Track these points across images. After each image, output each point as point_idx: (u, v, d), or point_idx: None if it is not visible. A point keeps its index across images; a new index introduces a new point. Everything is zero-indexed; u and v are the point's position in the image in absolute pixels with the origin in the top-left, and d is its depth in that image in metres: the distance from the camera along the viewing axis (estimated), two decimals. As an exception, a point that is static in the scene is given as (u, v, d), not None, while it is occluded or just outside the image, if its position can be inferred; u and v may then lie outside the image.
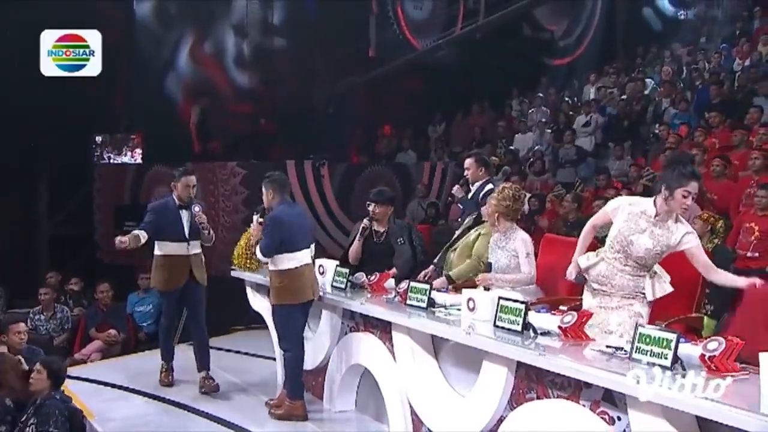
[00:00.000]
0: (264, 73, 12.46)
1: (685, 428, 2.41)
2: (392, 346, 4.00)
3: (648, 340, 2.61)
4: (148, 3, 12.05)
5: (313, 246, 4.63)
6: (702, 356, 2.51)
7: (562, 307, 3.49)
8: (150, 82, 11.28)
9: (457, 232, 4.66)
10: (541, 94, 11.76)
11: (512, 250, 4.02)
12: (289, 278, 4.34)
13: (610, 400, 2.71)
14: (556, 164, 9.43)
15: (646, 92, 10.19)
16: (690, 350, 2.61)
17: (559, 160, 9.46)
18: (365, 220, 4.85)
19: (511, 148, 10.37)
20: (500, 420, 3.21)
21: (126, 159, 10.99)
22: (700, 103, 8.92)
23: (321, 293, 4.49)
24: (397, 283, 4.25)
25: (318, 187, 9.17)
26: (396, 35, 13.07)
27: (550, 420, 2.93)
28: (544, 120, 10.70)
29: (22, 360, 4.39)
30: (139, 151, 10.93)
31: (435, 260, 4.63)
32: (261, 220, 4.43)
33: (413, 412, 3.85)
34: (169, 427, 4.55)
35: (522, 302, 3.27)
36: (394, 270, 4.66)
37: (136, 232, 4.92)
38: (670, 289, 3.36)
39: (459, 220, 4.97)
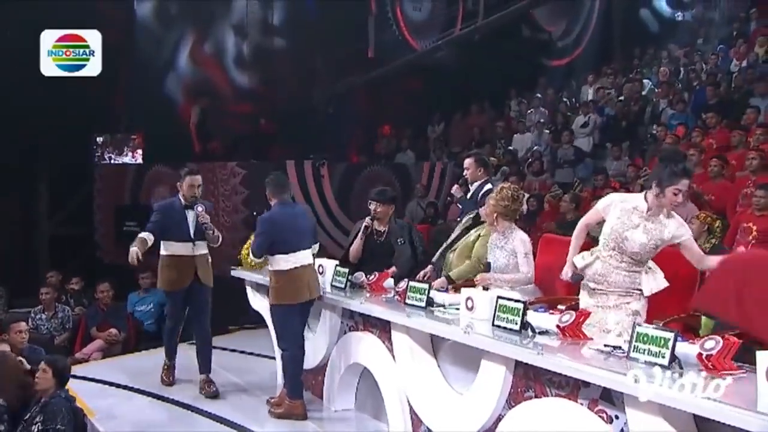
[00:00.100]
0: (264, 73, 12.49)
1: (683, 427, 2.43)
2: (391, 345, 4.01)
3: (646, 339, 2.61)
4: (148, 3, 12.07)
5: (316, 246, 4.65)
6: (699, 355, 2.52)
7: (560, 307, 3.53)
8: (150, 82, 11.30)
9: (456, 232, 4.67)
10: (539, 95, 11.79)
11: (511, 249, 4.04)
12: (285, 279, 4.37)
13: (608, 399, 2.72)
14: (554, 164, 9.47)
15: (644, 93, 10.22)
16: (687, 349, 2.61)
17: (557, 160, 9.49)
18: (367, 219, 4.87)
19: (510, 148, 10.40)
20: (499, 419, 3.22)
21: (127, 159, 11.01)
22: (697, 104, 8.96)
23: (321, 293, 4.51)
24: (397, 282, 4.27)
25: (318, 187, 9.19)
26: (395, 36, 13.11)
27: (548, 419, 2.94)
28: (542, 120, 10.73)
29: (24, 360, 4.42)
30: (139, 151, 10.96)
31: (433, 260, 4.65)
32: None
33: (412, 411, 3.86)
34: (170, 425, 4.57)
35: (520, 302, 3.27)
36: (393, 269, 4.68)
37: (142, 235, 4.88)
38: (665, 283, 3.38)
39: (458, 219, 4.98)
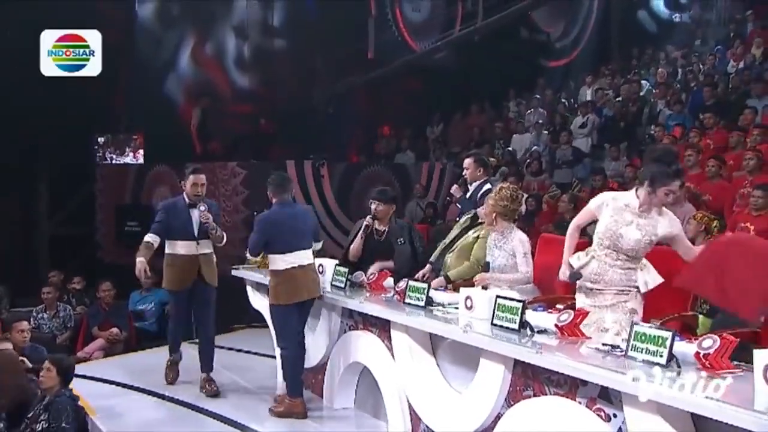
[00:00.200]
0: (264, 74, 12.52)
1: (681, 425, 2.43)
2: (391, 344, 4.03)
3: (644, 338, 2.62)
4: (150, 4, 12.09)
5: (319, 244, 4.69)
6: (697, 354, 2.53)
7: (558, 306, 3.56)
8: (150, 82, 11.31)
9: (454, 232, 4.68)
10: (538, 96, 11.82)
11: (510, 249, 4.06)
12: (282, 279, 4.40)
13: (606, 398, 2.73)
14: (552, 165, 9.50)
15: (642, 94, 10.25)
16: (685, 348, 2.63)
17: (555, 160, 9.53)
18: (368, 218, 4.89)
19: (509, 148, 10.43)
20: (497, 417, 3.24)
21: (128, 159, 11.04)
22: (694, 105, 9.00)
23: (321, 293, 4.52)
24: (396, 282, 4.29)
25: (317, 187, 9.21)
26: (395, 37, 13.13)
27: (546, 417, 2.95)
28: (541, 121, 10.76)
29: (26, 359, 4.45)
30: (141, 151, 10.99)
31: (431, 259, 4.66)
32: None
33: (411, 410, 3.88)
34: (171, 424, 4.59)
35: (519, 301, 3.29)
36: (391, 263, 4.71)
37: (147, 239, 4.89)
38: (660, 279, 3.41)
39: (457, 219, 5.00)
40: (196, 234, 4.90)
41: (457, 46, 13.09)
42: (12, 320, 4.97)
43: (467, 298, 3.52)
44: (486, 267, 4.08)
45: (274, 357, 5.24)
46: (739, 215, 5.60)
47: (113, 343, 6.74)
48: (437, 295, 3.90)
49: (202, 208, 4.82)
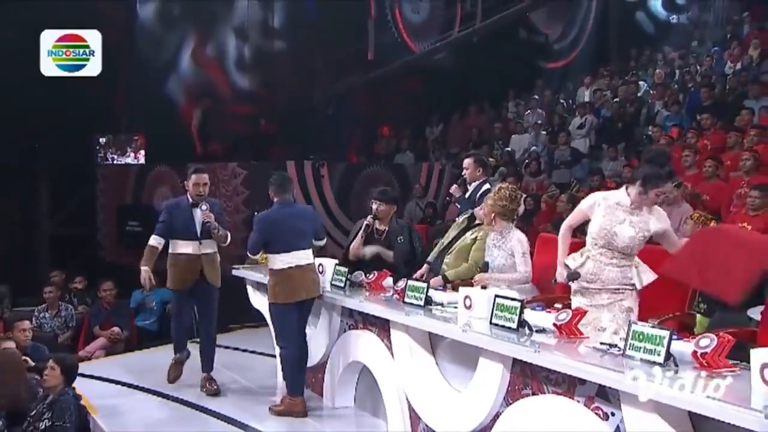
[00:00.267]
0: (264, 75, 12.57)
1: (678, 423, 2.44)
2: (390, 343, 4.04)
3: (641, 337, 2.63)
4: (151, 5, 12.11)
5: (322, 241, 4.71)
6: (694, 353, 2.54)
7: (557, 305, 3.55)
8: (150, 82, 11.32)
9: (451, 233, 4.69)
10: (536, 96, 11.87)
11: (509, 249, 4.08)
12: (281, 278, 4.42)
13: (604, 396, 2.74)
14: (551, 165, 9.54)
15: (640, 95, 10.30)
16: (682, 347, 2.63)
17: (554, 161, 9.57)
18: (368, 218, 4.92)
19: (508, 149, 10.47)
20: (496, 416, 3.25)
21: (129, 160, 11.07)
22: (692, 106, 9.05)
23: (321, 292, 4.55)
24: (395, 281, 4.31)
25: (317, 188, 9.24)
26: (394, 38, 13.18)
27: (545, 416, 2.97)
28: (539, 122, 10.80)
29: (28, 359, 4.47)
30: (142, 152, 11.02)
31: (429, 259, 4.68)
32: None
33: (411, 409, 3.89)
34: (171, 423, 4.60)
35: (518, 300, 3.30)
36: (391, 253, 4.76)
37: (152, 242, 4.90)
38: (654, 275, 3.46)
39: (456, 220, 5.04)
40: (198, 234, 4.89)
41: (456, 47, 13.14)
42: (14, 319, 5.01)
43: (466, 297, 3.53)
44: (485, 267, 4.09)
45: (274, 356, 5.27)
46: (737, 215, 5.63)
47: (114, 342, 6.77)
48: (436, 295, 3.91)
49: (204, 207, 4.81)
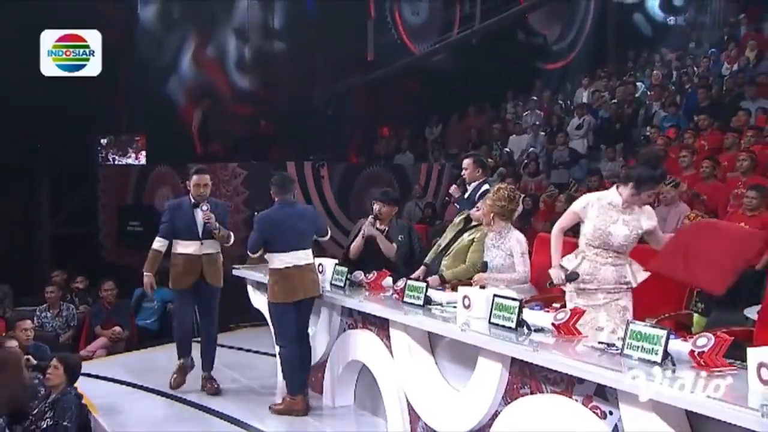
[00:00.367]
0: (264, 75, 12.60)
1: (675, 422, 2.45)
2: (390, 342, 4.06)
3: (639, 336, 2.65)
4: (151, 6, 12.14)
5: (327, 236, 4.74)
6: (692, 352, 2.56)
7: (555, 305, 3.55)
8: (150, 82, 11.32)
9: (448, 235, 4.69)
10: (535, 98, 11.91)
11: (507, 249, 4.10)
12: (279, 277, 4.45)
13: (602, 395, 2.75)
14: (549, 165, 9.59)
15: (637, 96, 10.37)
16: (680, 346, 2.64)
17: (552, 161, 9.62)
18: (370, 218, 4.94)
19: (506, 149, 10.51)
20: (495, 414, 3.27)
21: (130, 160, 11.11)
22: (689, 107, 9.10)
23: (320, 292, 4.57)
24: (395, 280, 4.34)
25: (317, 188, 9.27)
26: (394, 39, 13.24)
27: (543, 414, 2.99)
28: (538, 122, 10.85)
29: (30, 357, 4.49)
30: (143, 152, 11.06)
31: (426, 260, 4.68)
32: None
33: (410, 407, 3.91)
34: (172, 422, 4.62)
35: (516, 300, 3.32)
36: (393, 246, 4.78)
37: (155, 245, 4.92)
38: (647, 273, 3.51)
39: (453, 220, 5.06)
40: (200, 234, 4.90)
41: (455, 48, 13.20)
42: (16, 319, 5.03)
43: (465, 297, 3.54)
44: (484, 266, 4.11)
45: (274, 355, 5.29)
46: (734, 215, 5.67)
47: (115, 341, 6.80)
48: (435, 295, 3.93)
49: (205, 207, 4.82)
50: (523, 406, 3.12)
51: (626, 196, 3.43)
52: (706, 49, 11.33)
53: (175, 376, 5.05)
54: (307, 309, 4.63)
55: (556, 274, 3.52)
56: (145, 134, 11.15)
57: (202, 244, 4.91)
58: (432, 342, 3.83)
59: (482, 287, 3.77)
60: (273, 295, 4.51)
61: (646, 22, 14.14)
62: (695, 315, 4.15)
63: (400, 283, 4.09)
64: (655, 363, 2.54)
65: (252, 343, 6.38)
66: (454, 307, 3.66)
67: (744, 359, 2.42)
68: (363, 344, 4.38)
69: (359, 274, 4.62)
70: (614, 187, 3.55)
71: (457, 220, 4.76)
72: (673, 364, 2.54)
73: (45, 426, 3.93)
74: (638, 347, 2.65)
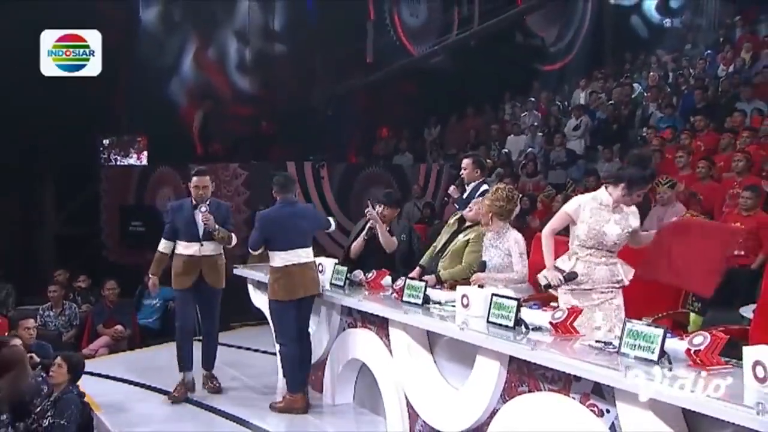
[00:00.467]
0: (265, 77, 12.64)
1: (672, 420, 2.47)
2: (389, 341, 4.09)
3: (636, 335, 2.67)
4: (153, 9, 12.16)
5: (333, 227, 4.81)
6: (688, 351, 2.57)
7: (553, 304, 3.58)
8: (150, 83, 11.34)
9: (443, 236, 4.68)
10: (533, 99, 11.96)
11: (505, 249, 4.11)
12: (280, 275, 4.49)
13: (599, 393, 2.77)
14: (547, 166, 9.64)
15: (634, 97, 10.42)
16: (676, 345, 2.65)
17: (550, 162, 9.67)
18: (372, 221, 4.96)
19: (504, 150, 10.56)
20: (493, 412, 3.29)
21: (132, 161, 11.14)
22: (685, 108, 9.16)
23: (320, 291, 4.60)
24: (394, 279, 4.36)
25: (317, 188, 9.31)
26: (393, 41, 13.30)
27: (541, 412, 3.01)
28: (535, 123, 10.90)
29: (33, 355, 4.52)
30: (145, 153, 11.09)
31: (421, 262, 4.69)
32: None
33: (409, 406, 3.94)
34: (173, 420, 4.66)
35: (514, 299, 3.34)
36: (394, 240, 4.81)
37: (160, 248, 4.95)
38: (633, 270, 3.60)
39: (448, 221, 5.08)
40: (200, 235, 4.91)
41: (454, 50, 13.25)
42: (18, 318, 5.06)
43: (463, 296, 3.57)
44: (482, 266, 4.14)
45: (275, 354, 5.33)
46: (729, 215, 5.73)
47: (118, 340, 6.83)
48: (434, 294, 3.95)
49: (203, 209, 4.82)
50: (521, 404, 3.14)
51: (617, 196, 3.49)
52: (702, 51, 11.41)
53: (177, 390, 4.95)
54: (307, 307, 4.66)
55: (552, 276, 3.52)
56: (146, 135, 11.18)
57: (202, 245, 4.91)
58: (431, 341, 3.85)
59: (480, 286, 3.80)
60: (273, 293, 4.55)
61: (642, 24, 14.22)
62: (691, 314, 4.20)
63: (400, 283, 4.11)
64: (651, 361, 2.56)
65: (252, 342, 6.42)
66: (453, 306, 3.69)
67: (740, 358, 2.44)
68: (362, 343, 4.41)
69: (359, 274, 4.65)
70: (603, 187, 3.61)
71: (451, 220, 4.77)
72: (670, 363, 2.56)
73: (47, 424, 3.95)
74: (635, 346, 2.66)
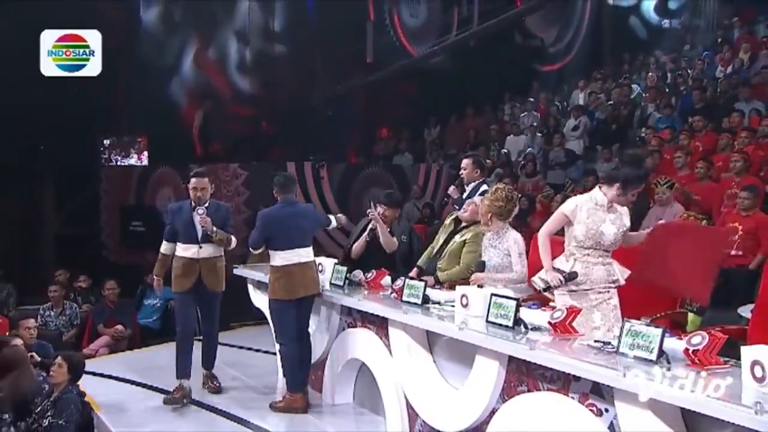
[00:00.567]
0: (265, 77, 12.67)
1: (670, 419, 2.48)
2: (388, 341, 4.09)
3: (634, 334, 2.67)
4: (154, 9, 12.18)
5: (333, 223, 4.83)
6: (686, 350, 2.57)
7: (552, 304, 3.59)
8: (150, 83, 11.36)
9: (440, 237, 4.69)
10: (532, 99, 11.99)
11: (505, 249, 4.11)
12: (280, 275, 4.50)
13: (597, 393, 2.78)
14: (546, 166, 9.66)
15: (633, 97, 10.45)
16: (674, 345, 2.65)
17: (549, 162, 9.70)
18: (373, 221, 4.97)
19: (504, 150, 10.59)
20: (492, 412, 3.30)
21: (132, 161, 11.16)
22: (684, 108, 9.18)
23: (320, 290, 4.62)
24: (394, 279, 4.37)
25: (317, 188, 9.33)
26: (393, 41, 13.33)
27: (540, 412, 3.02)
28: (535, 124, 10.93)
29: (34, 355, 4.53)
30: (145, 153, 11.11)
31: (418, 263, 4.70)
32: None
33: (409, 405, 3.95)
34: (174, 419, 4.67)
35: (513, 299, 3.35)
36: (394, 241, 4.83)
37: (162, 250, 4.94)
38: (628, 270, 3.62)
39: (444, 222, 5.09)
40: (198, 237, 4.86)
41: (453, 50, 13.29)
42: (19, 318, 5.07)
43: (463, 296, 3.58)
44: (481, 266, 4.15)
45: (275, 354, 5.34)
46: (728, 215, 5.75)
47: (118, 340, 6.85)
48: (434, 293, 3.96)
49: (201, 211, 4.79)
50: (520, 404, 3.15)
51: (612, 196, 3.53)
52: (700, 52, 11.43)
53: (174, 394, 4.87)
54: (307, 307, 4.67)
55: (552, 277, 3.53)
56: (147, 135, 11.20)
57: (200, 247, 4.88)
58: (430, 340, 3.86)
59: (480, 286, 3.80)
60: (274, 292, 4.56)
61: (641, 25, 14.25)
62: (690, 314, 4.20)
63: (399, 282, 4.12)
64: (650, 361, 2.57)
65: (252, 342, 6.44)
66: (452, 306, 3.70)
67: (738, 357, 2.45)
68: (362, 343, 4.42)
69: (358, 273, 4.66)
70: (597, 187, 3.63)
71: (447, 221, 4.78)
72: (668, 363, 2.56)
73: (46, 424, 3.96)
74: (634, 345, 2.67)
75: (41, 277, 8.33)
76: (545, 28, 14.33)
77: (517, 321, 3.26)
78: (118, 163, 11.23)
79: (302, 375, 4.69)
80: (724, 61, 9.97)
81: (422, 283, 3.98)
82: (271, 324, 4.93)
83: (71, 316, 7.03)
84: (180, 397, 4.82)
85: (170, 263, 5.00)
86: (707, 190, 6.49)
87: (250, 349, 6.41)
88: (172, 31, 12.31)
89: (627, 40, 13.58)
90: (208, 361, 5.16)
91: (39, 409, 4.04)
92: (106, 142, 11.21)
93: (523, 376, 3.16)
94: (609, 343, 2.87)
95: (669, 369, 2.51)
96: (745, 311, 3.88)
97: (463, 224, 4.56)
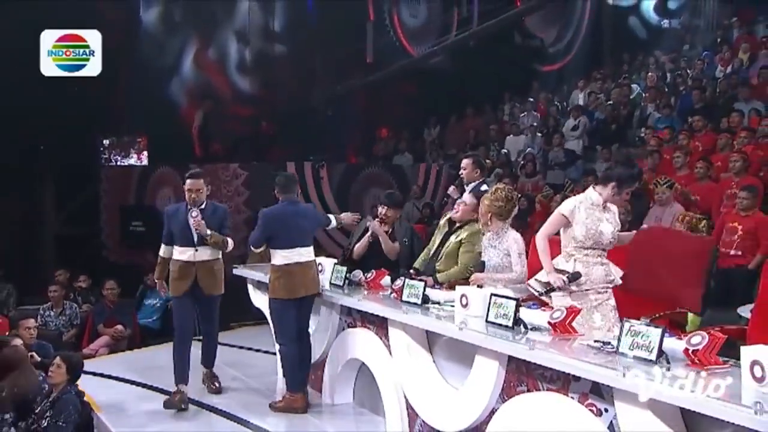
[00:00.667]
0: (265, 77, 12.68)
1: (670, 419, 2.48)
2: (388, 341, 4.10)
3: (634, 334, 2.67)
4: (154, 10, 12.20)
5: (333, 223, 4.84)
6: (686, 350, 2.57)
7: (551, 304, 3.62)
8: (150, 83, 11.37)
9: (436, 239, 4.68)
10: (532, 99, 12.00)
11: (504, 249, 4.12)
12: (281, 274, 4.50)
13: (597, 393, 2.78)
14: (546, 166, 9.67)
15: (632, 97, 10.46)
16: (674, 344, 2.65)
17: (548, 162, 9.70)
18: (375, 222, 4.98)
19: (503, 150, 10.60)
20: (492, 412, 3.30)
21: (132, 161, 11.17)
22: (683, 108, 9.19)
23: (320, 290, 4.62)
24: (393, 280, 4.37)
25: (317, 188, 9.34)
26: (392, 41, 13.34)
27: (540, 412, 3.02)
28: (534, 124, 10.93)
29: (34, 354, 4.54)
30: (145, 153, 11.13)
31: (415, 265, 4.69)
32: None
33: (408, 405, 3.96)
34: (173, 419, 4.67)
35: (513, 299, 3.35)
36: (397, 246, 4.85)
37: (161, 253, 4.90)
38: (621, 271, 3.66)
39: (439, 223, 5.09)
40: (194, 240, 4.80)
41: (453, 50, 13.31)
42: (19, 318, 5.08)
43: (462, 296, 3.58)
44: (481, 266, 4.14)
45: (275, 353, 5.34)
46: (727, 215, 5.75)
47: (118, 339, 6.86)
48: (433, 293, 3.96)
49: (194, 213, 4.73)
50: (520, 404, 3.15)
51: (606, 196, 3.57)
52: (699, 52, 11.44)
53: (173, 398, 4.79)
54: (307, 307, 4.68)
55: (555, 278, 3.53)
56: (147, 135, 11.22)
57: (197, 250, 4.80)
58: (430, 340, 3.87)
59: (480, 286, 3.81)
60: (274, 291, 4.56)
61: (641, 25, 14.26)
62: (689, 314, 4.20)
63: (399, 282, 4.12)
64: (650, 361, 2.57)
65: (252, 342, 6.44)
66: (452, 306, 3.70)
67: (738, 357, 2.45)
68: (362, 343, 4.43)
69: (358, 273, 4.66)
70: (591, 188, 3.66)
71: (441, 222, 4.78)
72: (668, 363, 2.57)
73: (45, 424, 3.96)
74: (633, 345, 2.66)
75: (41, 277, 8.35)
76: (545, 28, 14.35)
77: (517, 321, 3.25)
78: (118, 163, 11.25)
79: (302, 375, 4.69)
80: (724, 61, 9.98)
81: (422, 283, 3.98)
82: (270, 324, 4.93)
83: (71, 316, 7.04)
84: (178, 401, 4.77)
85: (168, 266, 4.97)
86: (706, 190, 6.49)
87: (250, 349, 6.41)
88: (172, 31, 12.33)
89: (627, 40, 13.60)
90: (208, 359, 5.17)
91: (38, 409, 4.04)
92: (106, 142, 11.24)
93: (522, 376, 3.16)
94: (609, 343, 2.87)
95: (669, 369, 2.52)
96: (745, 311, 3.88)
97: (457, 224, 4.56)
